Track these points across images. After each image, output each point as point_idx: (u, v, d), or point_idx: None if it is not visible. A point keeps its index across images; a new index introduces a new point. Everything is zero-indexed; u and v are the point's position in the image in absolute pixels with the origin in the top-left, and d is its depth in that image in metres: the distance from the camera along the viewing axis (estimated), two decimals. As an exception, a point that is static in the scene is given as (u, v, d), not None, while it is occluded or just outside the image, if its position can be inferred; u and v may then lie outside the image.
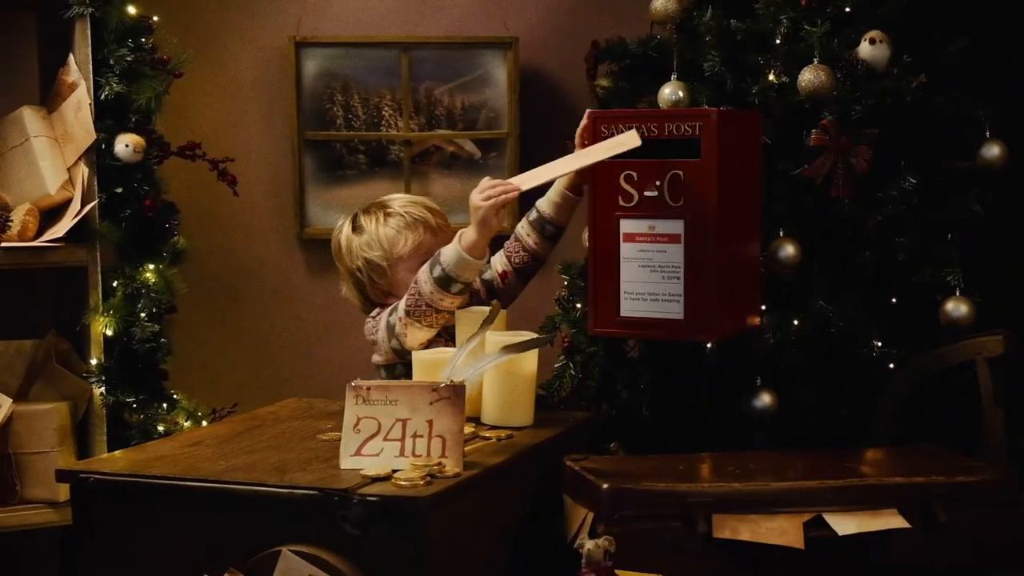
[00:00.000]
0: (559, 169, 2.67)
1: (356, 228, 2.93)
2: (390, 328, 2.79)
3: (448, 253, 2.67)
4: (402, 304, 2.74)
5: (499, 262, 2.97)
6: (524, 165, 3.83)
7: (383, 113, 3.92)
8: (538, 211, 2.92)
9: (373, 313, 2.90)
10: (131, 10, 3.24)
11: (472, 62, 3.93)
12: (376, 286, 2.91)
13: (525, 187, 2.64)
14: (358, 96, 3.91)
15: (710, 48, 2.97)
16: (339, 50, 3.89)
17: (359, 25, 3.92)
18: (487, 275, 2.97)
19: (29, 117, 3.26)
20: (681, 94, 2.98)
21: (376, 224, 2.90)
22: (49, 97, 3.34)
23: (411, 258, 2.87)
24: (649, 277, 2.59)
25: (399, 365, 2.83)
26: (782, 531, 2.27)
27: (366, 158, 3.94)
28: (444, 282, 2.66)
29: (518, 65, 3.90)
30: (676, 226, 2.56)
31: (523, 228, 2.93)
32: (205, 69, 3.77)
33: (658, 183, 2.56)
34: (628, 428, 3.04)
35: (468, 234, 2.66)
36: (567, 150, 3.24)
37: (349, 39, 3.89)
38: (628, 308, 2.63)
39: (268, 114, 3.91)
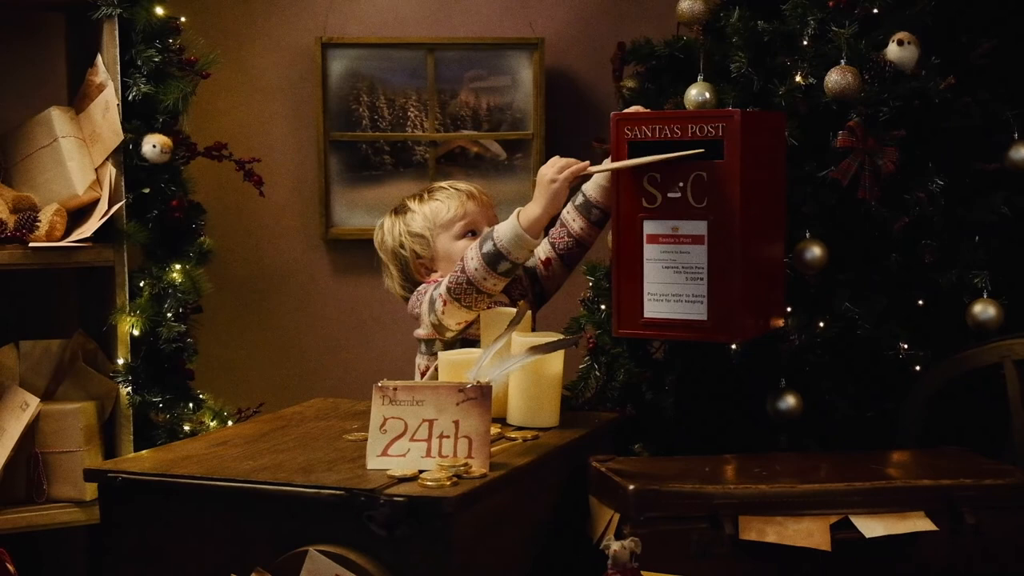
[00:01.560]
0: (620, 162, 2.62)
1: (400, 211, 2.92)
2: (431, 302, 2.73)
3: (504, 228, 2.62)
4: (445, 280, 2.69)
5: (542, 249, 2.92)
6: (549, 166, 3.84)
7: (408, 114, 3.92)
8: (584, 195, 2.86)
9: (420, 288, 2.86)
10: (159, 11, 3.25)
11: (498, 63, 3.93)
12: (419, 261, 2.87)
13: (592, 169, 2.63)
14: (384, 97, 3.92)
15: (737, 49, 2.97)
16: (365, 51, 3.90)
17: (385, 26, 3.93)
18: (530, 262, 2.93)
19: (57, 118, 3.27)
20: (708, 95, 2.97)
21: (420, 202, 2.90)
22: (77, 98, 3.36)
23: (455, 227, 2.85)
24: (673, 278, 2.57)
25: (438, 340, 2.81)
26: (809, 533, 2.26)
27: (391, 159, 3.94)
28: (493, 259, 2.60)
29: (544, 66, 3.89)
30: (699, 227, 2.54)
31: (568, 213, 2.88)
32: (232, 70, 3.78)
33: (681, 184, 2.54)
34: (653, 429, 3.04)
35: (530, 210, 2.61)
36: (593, 151, 3.26)
37: (375, 40, 3.90)
38: (652, 309, 2.60)
39: (294, 115, 3.92)
